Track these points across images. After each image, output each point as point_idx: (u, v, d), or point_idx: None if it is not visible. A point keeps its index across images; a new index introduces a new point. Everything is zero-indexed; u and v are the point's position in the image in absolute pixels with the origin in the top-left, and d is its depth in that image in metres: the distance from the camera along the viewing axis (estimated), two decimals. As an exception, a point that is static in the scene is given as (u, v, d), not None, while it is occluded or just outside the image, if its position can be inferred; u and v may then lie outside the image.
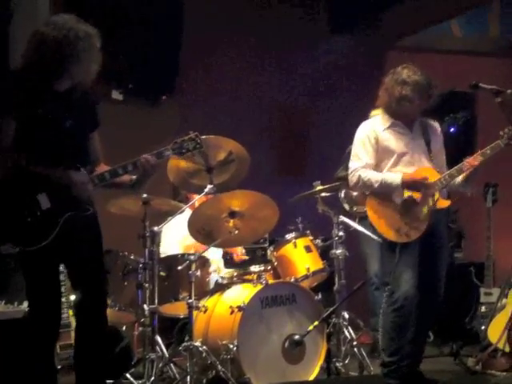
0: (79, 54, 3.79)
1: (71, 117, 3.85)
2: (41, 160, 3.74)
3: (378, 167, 4.79)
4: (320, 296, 5.16)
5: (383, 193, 4.73)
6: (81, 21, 3.86)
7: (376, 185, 4.69)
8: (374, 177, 4.70)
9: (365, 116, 5.13)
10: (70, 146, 3.85)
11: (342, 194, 5.84)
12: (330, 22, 7.82)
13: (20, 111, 3.72)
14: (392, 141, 4.78)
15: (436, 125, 4.96)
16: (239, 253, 5.98)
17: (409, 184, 4.67)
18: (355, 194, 5.52)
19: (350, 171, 4.83)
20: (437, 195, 4.71)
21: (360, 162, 4.77)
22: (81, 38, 3.78)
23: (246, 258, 5.87)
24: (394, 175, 4.70)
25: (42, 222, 3.72)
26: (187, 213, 5.27)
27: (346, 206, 5.91)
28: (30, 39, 3.83)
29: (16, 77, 3.84)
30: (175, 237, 5.66)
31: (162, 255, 5.39)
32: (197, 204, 5.31)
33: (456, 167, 4.71)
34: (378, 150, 4.78)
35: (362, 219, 5.58)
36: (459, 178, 4.73)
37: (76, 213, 3.81)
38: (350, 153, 4.99)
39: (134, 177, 4.02)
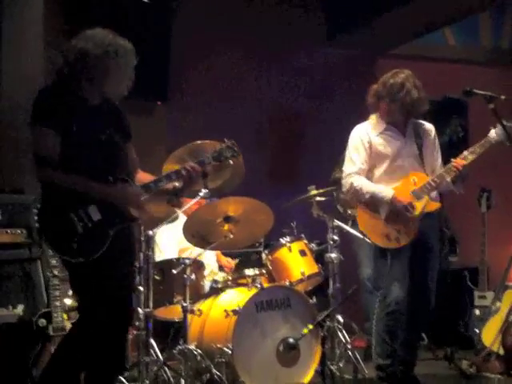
0: (117, 70, 3.81)
1: (107, 130, 3.87)
2: (84, 174, 3.73)
3: (370, 172, 4.83)
4: (315, 300, 5.18)
5: (373, 201, 4.76)
6: (117, 35, 3.87)
7: (367, 196, 4.74)
8: (366, 187, 4.74)
9: (360, 121, 5.16)
10: (110, 158, 3.86)
11: (336, 197, 5.87)
12: (328, 24, 7.86)
13: (59, 126, 3.70)
14: (385, 146, 4.82)
15: (430, 127, 4.98)
16: (228, 264, 6.01)
17: (396, 206, 4.69)
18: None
19: (343, 175, 4.87)
20: (426, 198, 4.73)
21: (354, 166, 4.81)
22: (120, 55, 3.81)
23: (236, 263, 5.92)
24: (385, 191, 4.72)
25: (94, 234, 3.72)
26: (183, 217, 5.28)
27: (340, 209, 5.94)
28: (67, 54, 3.81)
29: (52, 91, 3.81)
30: (173, 239, 5.66)
31: (160, 258, 5.41)
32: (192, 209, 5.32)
33: (445, 168, 4.74)
34: (371, 154, 4.82)
35: (356, 222, 5.60)
36: (449, 179, 4.75)
37: (126, 224, 3.85)
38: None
39: (177, 184, 4.06)
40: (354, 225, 5.55)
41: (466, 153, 4.70)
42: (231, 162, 4.45)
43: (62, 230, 3.69)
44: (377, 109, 4.93)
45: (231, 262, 6.03)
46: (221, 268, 6.02)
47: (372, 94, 4.86)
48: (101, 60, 3.77)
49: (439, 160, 4.93)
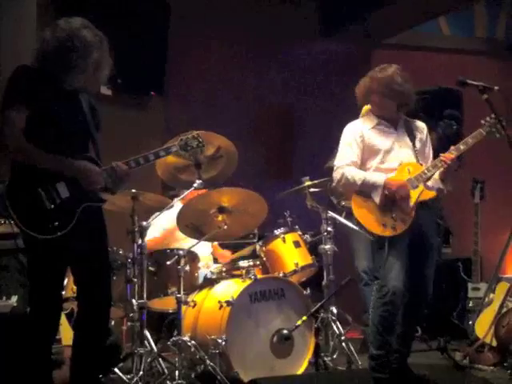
0: (75, 62, 3.83)
1: (80, 114, 3.91)
2: (51, 153, 3.76)
3: (364, 165, 4.82)
4: (309, 291, 5.17)
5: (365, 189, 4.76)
6: (85, 27, 3.88)
7: (358, 183, 4.71)
8: (357, 175, 4.73)
9: (352, 113, 5.15)
10: (81, 139, 3.92)
11: (330, 187, 5.86)
12: (321, 20, 7.85)
13: (32, 102, 3.73)
14: (377, 139, 4.82)
15: (422, 125, 4.98)
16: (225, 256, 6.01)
17: (389, 190, 4.68)
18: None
19: (334, 168, 4.86)
20: (421, 187, 4.73)
21: (345, 159, 4.80)
22: (77, 48, 3.82)
23: (233, 257, 5.92)
24: (377, 176, 4.72)
25: (61, 211, 3.74)
26: (174, 208, 5.28)
27: (334, 200, 5.93)
28: (38, 41, 3.90)
29: (28, 71, 3.85)
30: (160, 228, 5.67)
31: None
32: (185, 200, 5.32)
33: (438, 159, 4.75)
34: (363, 148, 4.81)
35: (350, 214, 5.59)
36: (437, 175, 4.75)
37: (92, 203, 3.86)
38: None
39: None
40: (348, 217, 5.55)
41: (453, 147, 4.70)
42: (196, 152, 4.56)
43: (31, 206, 3.70)
44: (366, 103, 4.93)
45: (228, 256, 6.01)
46: (215, 260, 6.02)
47: (361, 89, 4.87)
48: (58, 53, 3.81)
49: (431, 157, 4.94)
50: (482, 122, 4.71)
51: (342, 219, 5.50)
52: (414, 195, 4.70)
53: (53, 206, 3.72)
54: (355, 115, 5.10)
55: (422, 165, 4.79)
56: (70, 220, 3.75)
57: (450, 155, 4.68)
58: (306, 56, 7.87)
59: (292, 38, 7.71)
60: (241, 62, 7.59)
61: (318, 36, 7.89)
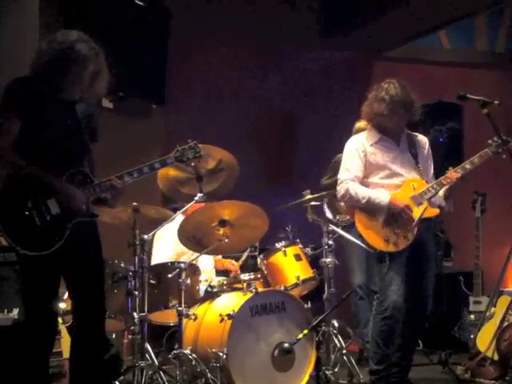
0: (69, 74, 3.87)
1: (75, 124, 3.91)
2: (44, 164, 3.76)
3: (366, 180, 4.83)
4: (310, 304, 5.17)
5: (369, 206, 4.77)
6: (81, 40, 3.91)
7: (363, 201, 4.74)
8: (362, 193, 4.74)
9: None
10: (74, 150, 3.90)
11: (325, 203, 5.86)
12: (321, 22, 7.87)
13: (26, 113, 3.75)
14: (379, 155, 4.84)
15: (424, 139, 5.01)
16: (233, 266, 6.00)
17: (394, 210, 4.68)
18: (342, 204, 5.55)
19: (338, 182, 4.87)
20: (425, 204, 4.74)
21: (349, 174, 4.82)
22: (71, 61, 3.86)
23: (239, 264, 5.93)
24: (381, 196, 4.72)
25: (51, 227, 3.73)
26: (177, 222, 5.28)
27: (329, 215, 5.92)
28: (35, 51, 3.93)
29: (24, 81, 3.87)
30: (170, 242, 5.66)
31: (157, 261, 5.41)
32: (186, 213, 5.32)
33: (444, 176, 4.75)
34: (365, 163, 4.83)
35: (345, 228, 5.61)
36: (442, 193, 4.77)
37: (83, 219, 3.85)
38: (336, 162, 5.04)
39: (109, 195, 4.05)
40: (345, 231, 5.56)
41: (458, 167, 4.71)
42: (193, 163, 4.53)
43: (21, 222, 3.70)
44: (367, 118, 4.94)
45: (235, 264, 6.00)
46: (219, 273, 6.01)
47: (371, 106, 4.84)
48: (53, 64, 3.84)
49: (432, 172, 4.95)
50: (489, 141, 4.71)
51: (343, 232, 5.51)
52: (418, 212, 4.71)
53: (42, 221, 3.72)
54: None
55: (426, 182, 4.80)
56: (60, 235, 3.75)
57: (454, 174, 4.69)
58: (306, 58, 7.89)
59: (292, 41, 7.71)
60: (242, 71, 7.61)
61: (318, 38, 7.90)
